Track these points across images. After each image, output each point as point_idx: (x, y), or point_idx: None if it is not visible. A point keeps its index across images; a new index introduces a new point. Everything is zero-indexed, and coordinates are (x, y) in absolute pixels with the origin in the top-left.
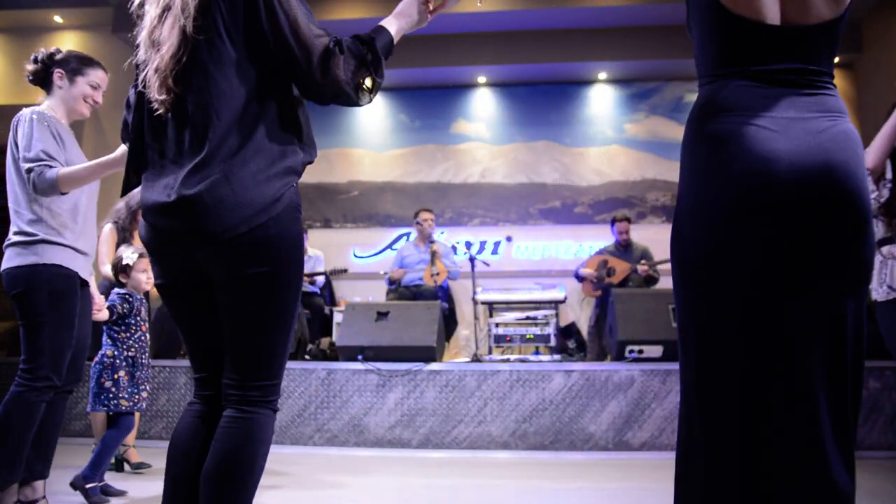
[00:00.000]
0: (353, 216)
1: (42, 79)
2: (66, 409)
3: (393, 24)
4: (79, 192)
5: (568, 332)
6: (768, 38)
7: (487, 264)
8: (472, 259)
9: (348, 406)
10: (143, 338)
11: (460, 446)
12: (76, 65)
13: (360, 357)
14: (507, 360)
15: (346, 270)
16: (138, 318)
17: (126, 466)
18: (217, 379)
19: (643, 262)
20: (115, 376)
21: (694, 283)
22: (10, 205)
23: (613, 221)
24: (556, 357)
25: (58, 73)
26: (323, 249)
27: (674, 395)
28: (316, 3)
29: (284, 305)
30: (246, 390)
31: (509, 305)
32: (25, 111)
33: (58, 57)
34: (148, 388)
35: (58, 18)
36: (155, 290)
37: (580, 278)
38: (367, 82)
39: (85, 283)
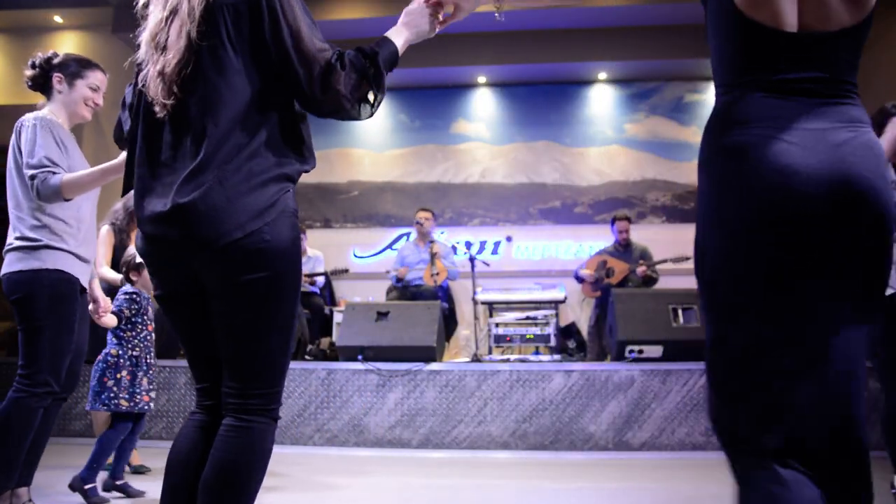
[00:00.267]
0: (353, 216)
1: (41, 84)
2: (66, 410)
3: (400, 36)
4: (82, 199)
5: (568, 332)
6: (786, 46)
7: (487, 264)
8: (472, 259)
9: (348, 406)
10: (148, 337)
11: (460, 446)
12: (75, 68)
13: (360, 357)
14: (507, 360)
15: (346, 270)
16: (145, 318)
17: (126, 467)
18: (218, 388)
19: (641, 262)
20: (118, 376)
21: (718, 296)
22: (12, 210)
23: (613, 221)
24: (556, 357)
25: (57, 78)
26: (323, 249)
27: (674, 394)
28: (316, 3)
29: (281, 311)
30: (245, 398)
31: (509, 305)
32: (28, 116)
33: (56, 61)
34: (154, 389)
35: (58, 18)
36: None
37: (580, 279)
38: (369, 97)
39: (84, 290)
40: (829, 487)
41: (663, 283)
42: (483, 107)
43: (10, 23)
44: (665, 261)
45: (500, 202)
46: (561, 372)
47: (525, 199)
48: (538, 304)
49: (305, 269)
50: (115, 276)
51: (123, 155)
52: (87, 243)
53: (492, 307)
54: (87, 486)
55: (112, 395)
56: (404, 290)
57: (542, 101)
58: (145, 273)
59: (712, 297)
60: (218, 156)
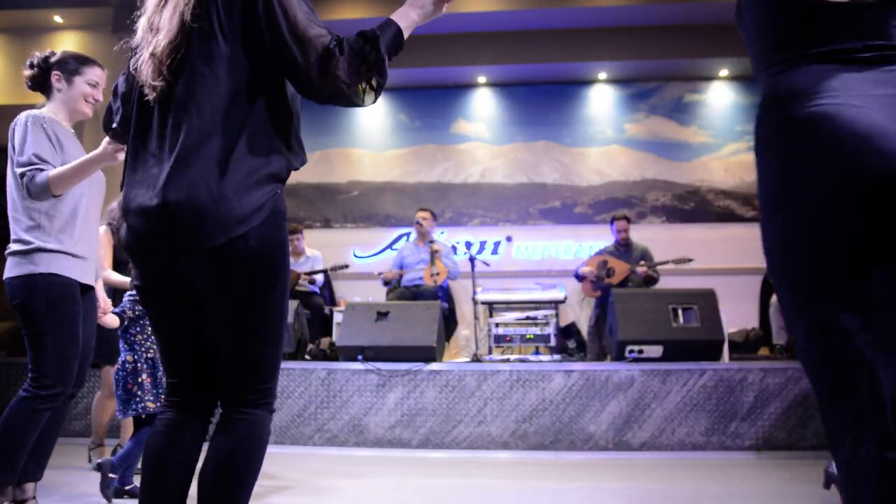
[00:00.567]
0: (353, 216)
1: (40, 83)
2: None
3: (404, 17)
4: (78, 195)
5: (568, 332)
6: (837, 17)
7: (487, 264)
8: (472, 259)
9: (348, 406)
10: None
11: (460, 446)
12: (73, 65)
13: (360, 357)
14: (507, 360)
15: (346, 266)
16: None
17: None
18: (185, 385)
19: (642, 262)
20: (139, 380)
21: (791, 272)
22: (10, 211)
23: (613, 220)
24: (556, 357)
25: (55, 76)
26: (323, 250)
27: (674, 395)
28: (316, 3)
29: (271, 311)
30: (244, 394)
31: (509, 305)
32: (21, 115)
33: (53, 59)
34: None
35: (58, 18)
36: None
37: (580, 278)
38: (372, 82)
39: (88, 288)
40: None
41: (663, 283)
42: (483, 107)
43: (10, 23)
44: (667, 262)
45: (500, 202)
46: (561, 372)
47: (525, 199)
48: (538, 304)
49: (305, 269)
50: (123, 280)
51: (105, 143)
52: (85, 240)
53: (492, 307)
54: (111, 475)
55: (138, 399)
56: (404, 290)
57: (542, 101)
58: None
59: (779, 270)
60: (203, 149)
